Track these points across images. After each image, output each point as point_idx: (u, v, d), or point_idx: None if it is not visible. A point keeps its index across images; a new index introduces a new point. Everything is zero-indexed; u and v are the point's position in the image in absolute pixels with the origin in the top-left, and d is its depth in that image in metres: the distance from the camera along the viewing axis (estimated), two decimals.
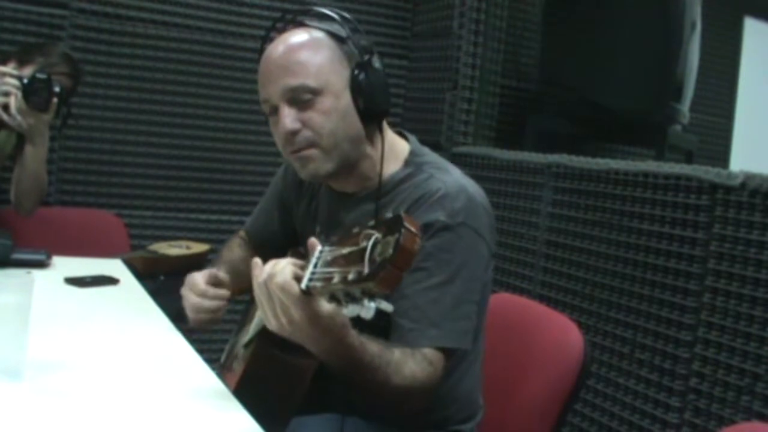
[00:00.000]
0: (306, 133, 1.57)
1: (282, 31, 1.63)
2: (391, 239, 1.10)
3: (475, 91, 3.59)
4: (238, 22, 3.62)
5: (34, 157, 2.66)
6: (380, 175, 1.63)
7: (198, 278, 1.76)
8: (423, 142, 1.76)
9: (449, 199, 1.56)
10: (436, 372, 1.49)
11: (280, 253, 1.78)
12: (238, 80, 3.60)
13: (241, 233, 2.07)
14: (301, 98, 1.56)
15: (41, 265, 2.27)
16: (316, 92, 1.56)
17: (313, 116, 1.56)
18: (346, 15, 1.63)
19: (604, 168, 2.67)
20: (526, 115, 3.88)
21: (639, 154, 3.96)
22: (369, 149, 1.64)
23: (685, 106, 3.65)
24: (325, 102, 1.57)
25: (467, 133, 3.58)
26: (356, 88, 1.57)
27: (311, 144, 1.58)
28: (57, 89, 2.55)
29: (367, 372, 1.41)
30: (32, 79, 2.51)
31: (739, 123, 4.80)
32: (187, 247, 3.18)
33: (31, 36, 3.23)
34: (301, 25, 1.63)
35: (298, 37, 1.60)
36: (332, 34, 1.60)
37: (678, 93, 3.57)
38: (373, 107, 1.59)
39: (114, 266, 2.41)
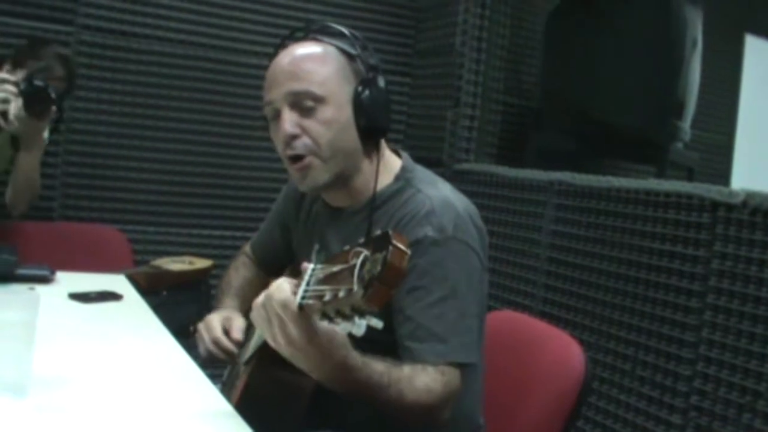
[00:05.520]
0: (305, 140, 1.59)
1: (294, 43, 1.66)
2: (380, 256, 1.10)
3: (477, 109, 3.61)
4: (243, 39, 3.64)
5: (29, 161, 2.71)
6: (374, 192, 1.64)
7: (215, 322, 1.80)
8: (425, 159, 1.78)
9: (436, 214, 1.57)
10: (452, 382, 1.49)
11: (282, 272, 1.80)
12: (242, 96, 3.62)
13: (247, 250, 2.08)
14: (304, 104, 1.58)
15: (45, 280, 2.28)
16: (319, 100, 1.58)
17: (313, 125, 1.59)
18: (357, 33, 1.66)
19: (605, 185, 2.68)
20: (528, 132, 3.89)
21: (640, 171, 3.97)
22: (364, 165, 1.66)
23: (687, 123, 3.66)
24: (326, 112, 1.59)
25: (469, 150, 3.59)
26: (359, 104, 1.60)
27: (310, 152, 1.60)
28: (54, 95, 2.54)
29: (377, 391, 1.41)
30: (30, 86, 2.51)
31: (740, 140, 4.81)
32: (190, 263, 3.19)
33: None
34: (313, 39, 1.66)
35: (308, 48, 1.63)
36: (341, 50, 1.63)
37: (679, 110, 3.58)
38: (373, 125, 1.61)
39: (118, 282, 2.42)
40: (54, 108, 2.56)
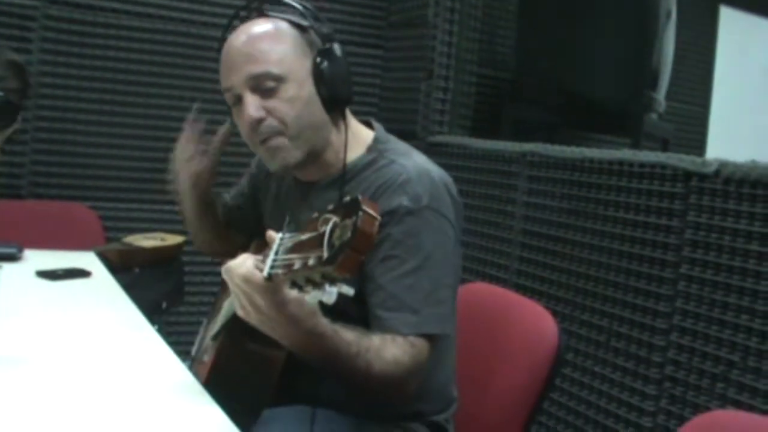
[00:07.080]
0: (271, 122, 1.57)
1: (244, 21, 1.64)
2: (349, 222, 1.09)
3: (450, 81, 3.59)
4: (209, 12, 3.59)
5: None
6: (344, 163, 1.63)
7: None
8: (399, 131, 1.75)
9: (412, 183, 1.56)
10: (420, 355, 1.48)
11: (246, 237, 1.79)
12: (210, 70, 3.55)
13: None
14: (265, 86, 1.56)
15: (12, 258, 2.26)
16: (279, 79, 1.56)
17: (277, 104, 1.56)
18: (307, 5, 1.63)
19: (579, 156, 2.67)
20: (502, 104, 3.87)
21: (615, 142, 3.96)
22: (333, 137, 1.64)
23: (661, 94, 3.66)
24: (288, 90, 1.56)
25: (443, 123, 3.57)
26: (318, 76, 1.58)
27: (277, 132, 1.57)
28: (17, 105, 2.41)
29: (345, 360, 1.40)
30: None
31: (715, 111, 4.82)
32: (162, 239, 3.17)
33: (1, 27, 3.19)
34: (262, 15, 1.63)
35: (260, 26, 1.60)
36: (294, 24, 1.60)
37: (654, 81, 3.57)
38: (335, 95, 1.59)
39: (87, 259, 2.40)
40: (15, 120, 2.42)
